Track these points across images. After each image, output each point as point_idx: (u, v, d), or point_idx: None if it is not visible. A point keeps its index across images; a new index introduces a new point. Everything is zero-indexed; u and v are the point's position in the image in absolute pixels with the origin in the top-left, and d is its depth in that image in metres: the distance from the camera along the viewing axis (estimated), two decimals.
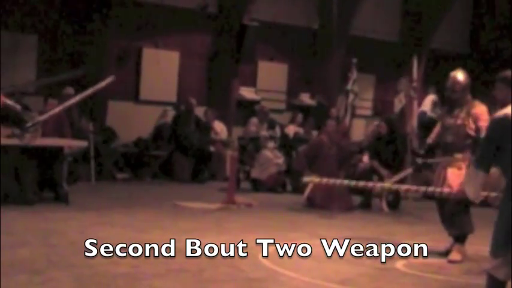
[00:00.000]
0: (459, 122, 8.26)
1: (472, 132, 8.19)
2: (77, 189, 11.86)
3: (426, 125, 15.45)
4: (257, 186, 14.46)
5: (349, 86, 15.05)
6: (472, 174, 5.04)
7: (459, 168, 8.14)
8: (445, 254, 8.22)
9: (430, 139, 8.69)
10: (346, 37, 19.02)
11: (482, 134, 8.07)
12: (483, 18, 22.32)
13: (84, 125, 13.76)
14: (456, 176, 8.09)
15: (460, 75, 8.37)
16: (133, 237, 8.42)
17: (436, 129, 8.67)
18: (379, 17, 20.27)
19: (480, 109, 8.26)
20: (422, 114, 16.33)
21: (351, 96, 15.15)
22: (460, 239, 8.18)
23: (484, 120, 8.12)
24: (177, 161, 15.46)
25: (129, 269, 6.71)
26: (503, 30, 21.63)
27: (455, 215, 7.98)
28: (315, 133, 16.41)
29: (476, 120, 8.18)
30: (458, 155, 8.19)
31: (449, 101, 8.51)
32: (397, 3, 21.04)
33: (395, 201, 12.93)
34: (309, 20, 19.16)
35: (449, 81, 8.38)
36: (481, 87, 20.39)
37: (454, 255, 8.09)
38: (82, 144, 11.97)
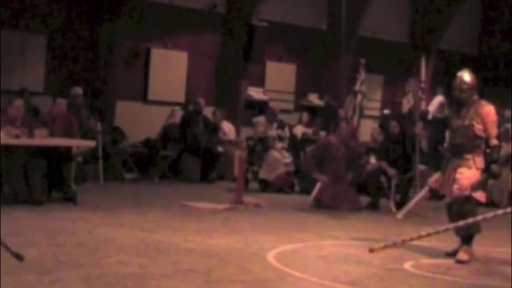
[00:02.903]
0: (467, 122, 8.15)
1: (480, 133, 8.10)
2: (86, 190, 11.87)
3: (431, 123, 15.48)
4: (265, 186, 14.46)
5: (357, 87, 15.07)
6: None
7: (469, 168, 8.08)
8: (453, 254, 8.20)
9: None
10: (354, 38, 19.01)
11: (492, 133, 8.09)
12: (492, 19, 22.27)
13: (92, 125, 13.78)
14: (466, 177, 8.05)
15: (467, 75, 8.30)
16: (142, 237, 8.44)
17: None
18: (387, 17, 20.25)
19: (488, 109, 8.18)
20: (425, 112, 16.29)
21: (359, 97, 15.17)
22: (467, 239, 8.12)
23: (492, 122, 8.11)
24: (185, 162, 15.47)
25: (137, 269, 6.72)
26: None
27: (463, 215, 7.94)
28: (323, 133, 16.41)
29: (484, 120, 8.11)
30: (468, 156, 8.10)
31: (456, 101, 8.40)
32: (406, 4, 21.02)
33: (403, 202, 12.91)
34: (317, 21, 19.16)
35: (457, 81, 8.28)
36: (489, 88, 20.45)
37: (462, 255, 8.03)
38: (90, 144, 11.99)
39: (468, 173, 8.05)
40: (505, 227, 11.10)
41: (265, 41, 17.17)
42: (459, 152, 8.18)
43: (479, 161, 8.13)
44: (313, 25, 19.08)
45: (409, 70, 18.69)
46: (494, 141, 8.16)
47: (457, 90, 8.26)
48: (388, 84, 20.80)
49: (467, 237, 8.10)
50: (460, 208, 8.05)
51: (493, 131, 8.14)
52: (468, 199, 8.02)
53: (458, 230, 8.03)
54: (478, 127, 8.10)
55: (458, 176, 8.10)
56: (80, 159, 12.04)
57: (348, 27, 18.75)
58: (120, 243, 8.06)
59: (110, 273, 6.50)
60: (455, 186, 8.08)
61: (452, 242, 8.55)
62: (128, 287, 6.12)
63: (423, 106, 15.09)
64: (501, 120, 16.74)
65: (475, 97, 8.27)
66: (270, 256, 7.75)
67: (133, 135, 15.72)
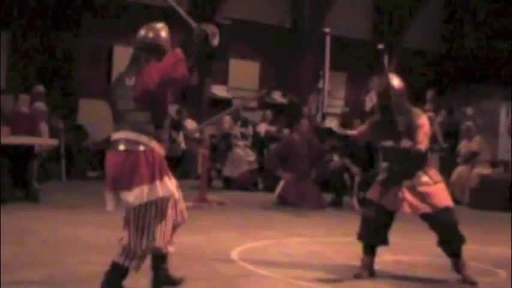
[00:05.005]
0: (408, 140, 6.97)
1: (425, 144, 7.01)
2: (48, 188, 11.79)
3: None
4: (229, 184, 14.46)
5: (320, 84, 15.11)
6: None
7: (435, 183, 7.10)
8: (363, 275, 7.13)
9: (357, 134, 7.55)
10: (318, 35, 19.06)
11: (420, 140, 6.94)
12: (454, 18, 22.44)
13: (55, 123, 13.69)
14: (436, 193, 7.07)
15: (395, 79, 7.18)
16: (106, 235, 8.39)
17: (363, 127, 7.56)
18: (351, 15, 20.33)
19: (423, 119, 7.09)
20: None
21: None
22: (457, 253, 7.22)
23: (424, 132, 6.97)
24: None
25: (102, 268, 6.66)
26: (475, 29, 21.76)
27: (457, 223, 7.13)
28: (286, 131, 16.45)
29: (417, 129, 7.00)
30: (419, 173, 7.07)
31: (382, 110, 7.20)
32: (370, 2, 21.12)
33: (366, 199, 12.97)
34: (281, 18, 19.19)
35: (382, 87, 7.19)
36: (451, 86, 20.64)
37: (468, 271, 7.15)
38: (53, 142, 11.90)
39: (435, 188, 7.09)
40: (470, 225, 11.23)
41: (229, 39, 17.16)
42: (407, 172, 7.11)
43: (434, 174, 7.16)
44: (277, 23, 19.11)
45: (373, 68, 18.80)
46: (419, 146, 6.93)
47: (383, 98, 7.13)
48: (351, 81, 20.88)
49: (457, 250, 7.22)
50: (453, 217, 7.13)
51: (422, 139, 6.96)
52: (449, 210, 7.12)
53: (448, 247, 7.22)
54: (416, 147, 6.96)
55: (432, 194, 7.06)
56: (44, 154, 11.96)
57: (311, 25, 18.82)
58: (84, 242, 8.02)
59: (74, 273, 6.47)
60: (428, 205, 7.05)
61: (416, 238, 8.61)
62: (92, 286, 6.09)
63: None
64: (463, 117, 16.95)
65: (407, 105, 7.17)
66: (234, 254, 7.76)
67: (97, 133, 15.62)
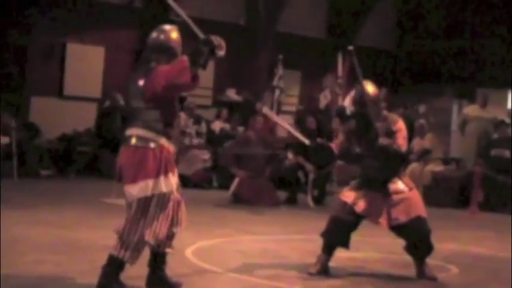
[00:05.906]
0: (384, 144, 6.97)
1: (402, 149, 7.05)
2: None
3: (348, 118, 15.68)
4: (183, 182, 14.36)
5: (275, 82, 15.14)
6: None
7: (410, 189, 7.08)
8: (321, 272, 7.09)
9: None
10: (272, 33, 19.08)
11: (399, 143, 7.00)
12: (408, 16, 22.60)
13: (6, 120, 13.53)
14: (411, 201, 7.06)
15: (369, 86, 7.12)
16: (59, 234, 8.31)
17: (340, 138, 7.51)
18: (305, 13, 20.37)
19: (400, 124, 7.12)
20: (341, 108, 16.41)
21: (277, 92, 15.24)
22: (425, 257, 7.20)
23: (403, 137, 7.05)
24: (103, 158, 15.30)
25: (54, 267, 6.63)
26: (428, 27, 21.95)
27: (429, 232, 7.10)
28: (241, 129, 16.44)
29: (395, 135, 7.02)
30: (395, 179, 7.03)
31: (358, 117, 7.22)
32: (324, 0, 21.18)
33: (320, 197, 13.04)
34: (236, 16, 19.16)
35: (357, 93, 7.16)
36: (405, 83, 20.81)
37: (431, 271, 7.15)
38: (4, 140, 11.76)
39: (410, 195, 7.05)
40: None
41: (183, 36, 17.06)
42: (383, 177, 7.06)
43: (408, 180, 7.17)
44: (231, 20, 19.07)
45: (327, 66, 18.88)
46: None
47: (358, 104, 7.13)
48: (306, 79, 20.93)
49: (423, 258, 7.19)
50: (426, 228, 7.11)
51: (402, 142, 7.03)
52: (422, 219, 7.08)
53: (414, 254, 7.19)
54: (399, 145, 7.03)
55: (412, 202, 7.04)
56: None
57: (266, 23, 18.82)
58: (37, 241, 7.93)
59: (25, 272, 6.39)
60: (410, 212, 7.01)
61: (375, 235, 8.65)
62: (43, 285, 6.03)
63: (340, 102, 15.29)
64: (416, 115, 17.09)
65: (383, 112, 7.22)
66: (188, 252, 7.74)
67: (49, 131, 15.47)
